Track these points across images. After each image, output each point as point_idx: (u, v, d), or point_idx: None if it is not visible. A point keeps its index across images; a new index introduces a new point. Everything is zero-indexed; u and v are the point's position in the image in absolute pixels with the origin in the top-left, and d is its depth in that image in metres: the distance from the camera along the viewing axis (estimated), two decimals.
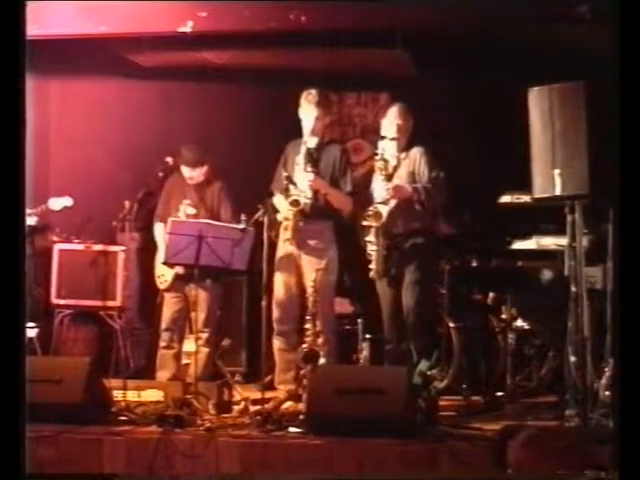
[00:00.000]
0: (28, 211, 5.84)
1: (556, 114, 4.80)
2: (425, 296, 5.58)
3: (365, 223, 5.54)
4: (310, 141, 5.74)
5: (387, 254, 5.53)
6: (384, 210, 5.53)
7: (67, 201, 6.47)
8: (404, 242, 5.57)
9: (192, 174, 6.02)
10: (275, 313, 5.76)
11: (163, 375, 5.89)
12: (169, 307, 6.02)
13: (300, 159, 5.68)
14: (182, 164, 6.02)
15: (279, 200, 5.71)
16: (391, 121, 5.68)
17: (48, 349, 6.44)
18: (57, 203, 6.45)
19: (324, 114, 5.76)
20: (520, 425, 4.57)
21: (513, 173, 5.41)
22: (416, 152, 5.66)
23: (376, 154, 5.64)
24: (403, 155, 5.67)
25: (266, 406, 5.15)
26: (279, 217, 5.73)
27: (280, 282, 5.77)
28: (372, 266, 5.54)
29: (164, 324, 6.02)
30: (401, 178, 5.62)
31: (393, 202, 5.57)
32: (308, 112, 5.72)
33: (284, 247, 5.75)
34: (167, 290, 6.01)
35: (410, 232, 5.58)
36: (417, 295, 5.52)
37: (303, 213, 5.61)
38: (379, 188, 5.64)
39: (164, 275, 5.99)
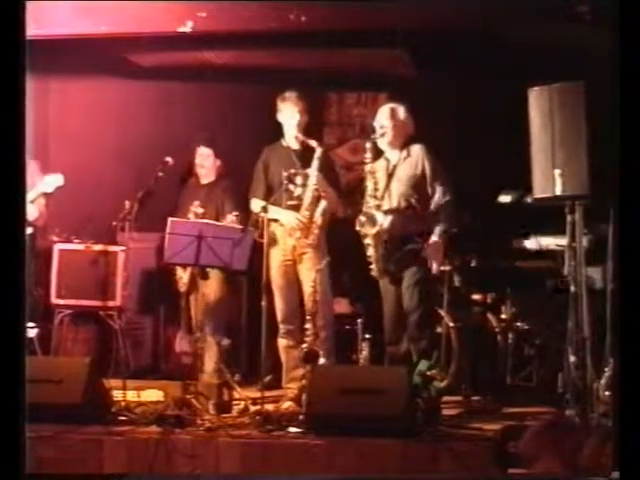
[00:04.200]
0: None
1: (556, 114, 4.80)
2: (425, 297, 5.53)
3: (359, 228, 5.50)
4: (292, 143, 5.79)
5: (386, 254, 5.50)
6: (379, 215, 5.47)
7: (58, 179, 6.01)
8: (402, 244, 5.52)
9: (209, 157, 6.21)
10: (279, 314, 5.77)
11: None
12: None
13: (284, 166, 5.70)
14: (201, 145, 6.25)
15: (256, 204, 5.75)
16: (383, 120, 5.61)
17: (48, 349, 6.42)
18: (48, 184, 5.99)
19: (304, 115, 5.78)
20: (520, 425, 4.56)
21: (513, 173, 5.41)
22: (418, 151, 5.59)
23: (365, 161, 5.56)
24: (404, 154, 5.61)
25: (266, 406, 5.15)
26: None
27: (283, 283, 5.78)
28: (373, 266, 5.53)
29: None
30: (401, 180, 5.57)
31: (388, 205, 5.52)
32: (288, 114, 5.76)
33: (284, 252, 5.77)
34: (188, 292, 6.13)
35: (409, 234, 5.52)
36: (417, 296, 5.47)
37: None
38: (372, 191, 5.56)
39: (182, 278, 6.11)
